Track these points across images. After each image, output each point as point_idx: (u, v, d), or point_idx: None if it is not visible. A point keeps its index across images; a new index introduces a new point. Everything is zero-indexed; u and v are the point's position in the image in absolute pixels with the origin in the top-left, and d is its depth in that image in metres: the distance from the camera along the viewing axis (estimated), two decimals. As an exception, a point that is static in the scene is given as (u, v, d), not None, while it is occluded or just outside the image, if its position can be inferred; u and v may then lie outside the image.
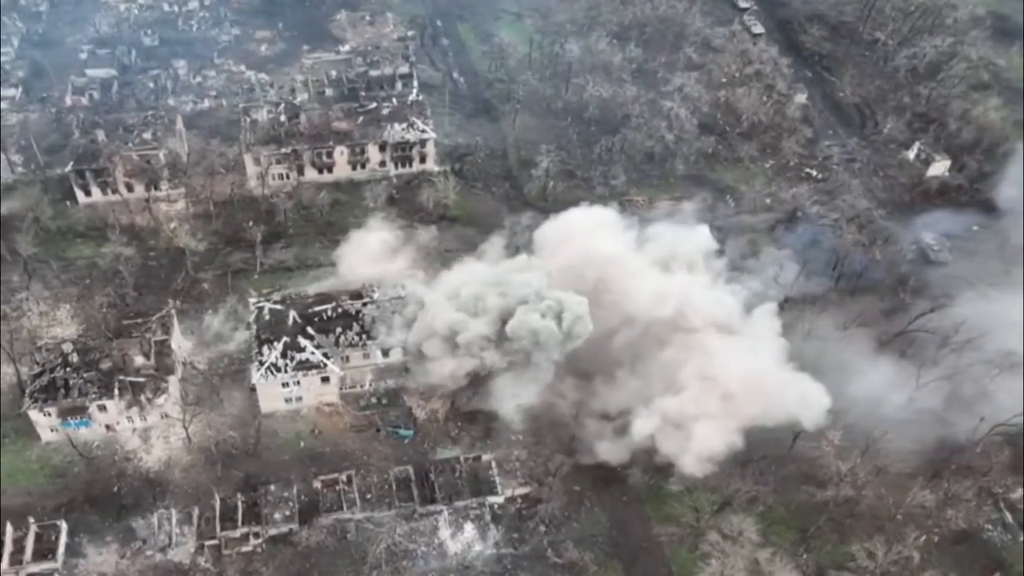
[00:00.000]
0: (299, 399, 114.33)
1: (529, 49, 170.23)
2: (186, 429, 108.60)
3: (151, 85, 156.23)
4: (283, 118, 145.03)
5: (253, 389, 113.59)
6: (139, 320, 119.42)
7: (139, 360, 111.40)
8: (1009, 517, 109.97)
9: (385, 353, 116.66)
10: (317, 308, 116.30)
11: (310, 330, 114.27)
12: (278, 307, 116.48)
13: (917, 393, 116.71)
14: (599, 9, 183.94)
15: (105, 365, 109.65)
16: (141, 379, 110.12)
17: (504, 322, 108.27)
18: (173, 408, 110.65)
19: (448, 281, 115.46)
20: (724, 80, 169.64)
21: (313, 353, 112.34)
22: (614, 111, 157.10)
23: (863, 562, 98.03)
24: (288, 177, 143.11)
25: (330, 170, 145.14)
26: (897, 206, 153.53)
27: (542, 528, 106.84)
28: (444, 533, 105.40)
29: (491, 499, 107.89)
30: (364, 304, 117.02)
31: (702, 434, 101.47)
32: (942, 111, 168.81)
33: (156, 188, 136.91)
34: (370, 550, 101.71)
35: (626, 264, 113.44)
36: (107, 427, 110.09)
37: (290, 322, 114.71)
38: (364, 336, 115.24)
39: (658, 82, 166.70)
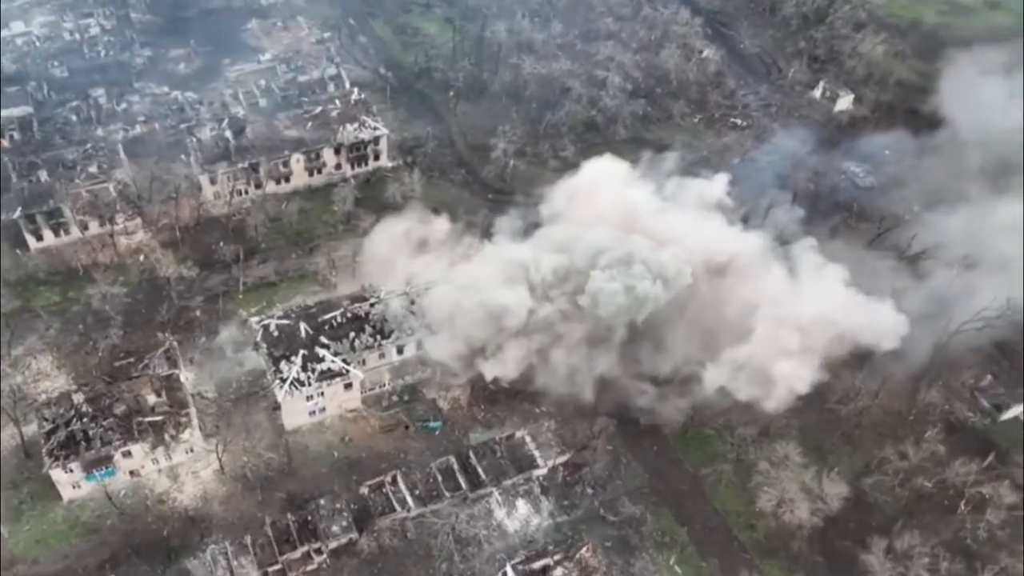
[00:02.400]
0: (322, 410, 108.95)
1: (452, 36, 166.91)
2: (220, 459, 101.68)
3: (74, 118, 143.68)
4: (229, 134, 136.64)
5: (277, 408, 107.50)
6: (132, 359, 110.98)
7: (152, 399, 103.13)
8: (985, 403, 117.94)
9: (399, 350, 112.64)
10: (326, 316, 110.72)
11: (323, 339, 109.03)
12: (285, 322, 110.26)
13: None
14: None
15: (119, 409, 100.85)
16: (159, 418, 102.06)
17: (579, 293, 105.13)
18: (198, 442, 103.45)
19: (473, 267, 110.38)
20: (640, 45, 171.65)
21: (333, 361, 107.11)
22: (552, 86, 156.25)
23: (898, 464, 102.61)
24: (247, 192, 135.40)
25: (287, 180, 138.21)
26: (817, 142, 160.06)
27: (589, 491, 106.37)
28: (499, 513, 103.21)
29: (535, 472, 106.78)
30: (372, 305, 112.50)
31: (786, 373, 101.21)
32: (835, 51, 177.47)
33: (112, 222, 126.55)
34: (433, 544, 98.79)
35: (664, 214, 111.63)
36: (131, 473, 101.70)
37: (302, 334, 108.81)
38: (378, 337, 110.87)
39: (584, 54, 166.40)
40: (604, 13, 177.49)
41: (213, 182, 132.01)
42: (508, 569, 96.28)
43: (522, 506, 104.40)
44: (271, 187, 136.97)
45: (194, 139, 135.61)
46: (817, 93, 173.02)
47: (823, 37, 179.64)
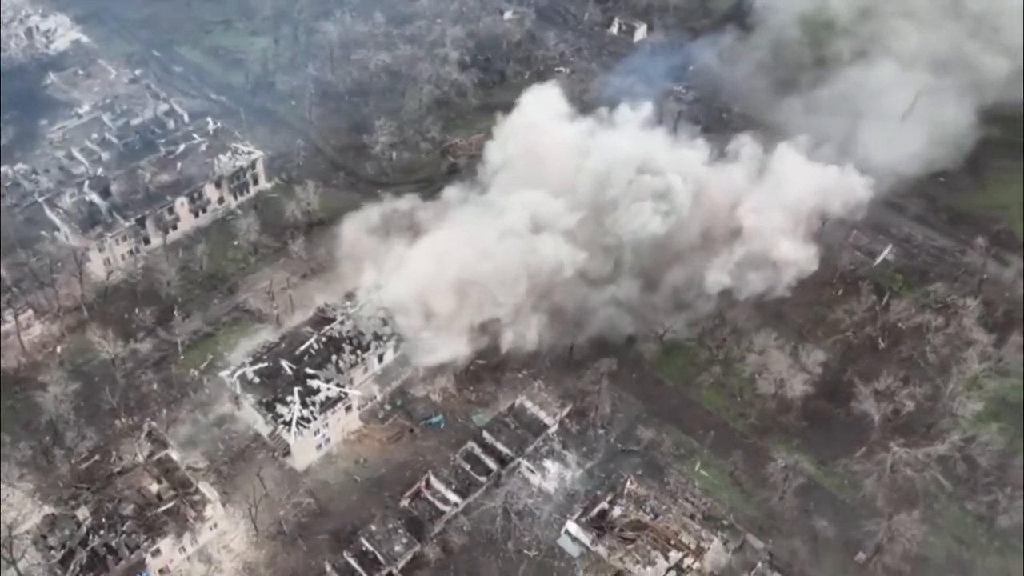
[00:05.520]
0: (327, 441, 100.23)
1: (274, 46, 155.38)
2: (254, 521, 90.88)
3: None
4: (93, 197, 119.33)
5: (283, 453, 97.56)
6: (98, 457, 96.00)
7: (154, 487, 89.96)
8: (860, 253, 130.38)
9: (380, 359, 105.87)
10: (302, 347, 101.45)
11: (308, 370, 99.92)
12: (263, 365, 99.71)
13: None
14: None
15: (127, 509, 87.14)
16: (171, 504, 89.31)
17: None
18: (220, 515, 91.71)
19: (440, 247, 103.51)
20: (459, 17, 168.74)
21: (329, 388, 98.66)
22: (398, 73, 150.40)
23: (850, 319, 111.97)
24: (138, 250, 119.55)
25: (175, 227, 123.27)
26: (629, 72, 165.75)
27: (601, 431, 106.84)
28: (535, 479, 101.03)
29: (549, 431, 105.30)
30: (342, 323, 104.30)
31: (786, 248, 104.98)
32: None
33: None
34: (491, 528, 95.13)
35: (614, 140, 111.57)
36: (160, 572, 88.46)
37: (286, 372, 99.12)
38: (359, 352, 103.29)
39: (415, 37, 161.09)
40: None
41: (100, 250, 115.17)
42: (570, 526, 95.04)
43: (551, 466, 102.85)
44: (159, 240, 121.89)
45: (60, 210, 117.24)
46: (614, 30, 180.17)
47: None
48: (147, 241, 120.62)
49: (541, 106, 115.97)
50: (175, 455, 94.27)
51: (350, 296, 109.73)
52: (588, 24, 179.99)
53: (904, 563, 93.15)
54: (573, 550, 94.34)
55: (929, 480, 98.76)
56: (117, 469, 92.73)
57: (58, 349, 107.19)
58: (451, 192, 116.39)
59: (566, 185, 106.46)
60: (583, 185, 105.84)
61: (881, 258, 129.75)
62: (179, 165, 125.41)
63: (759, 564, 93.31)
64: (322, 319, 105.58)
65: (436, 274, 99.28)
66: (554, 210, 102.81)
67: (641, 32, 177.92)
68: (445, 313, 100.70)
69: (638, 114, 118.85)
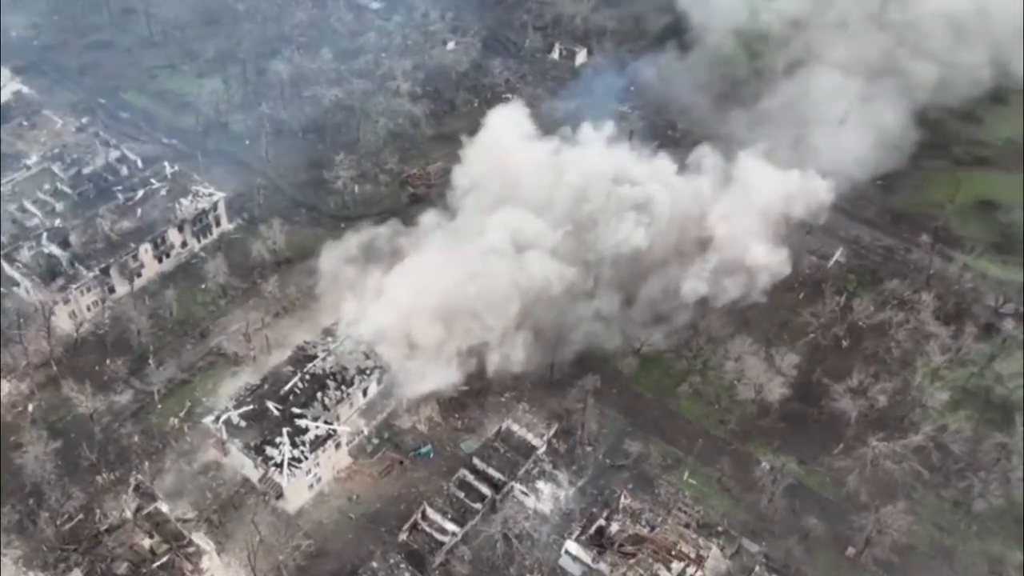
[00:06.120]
0: (319, 480, 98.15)
1: (224, 87, 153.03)
2: (253, 569, 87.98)
3: None
4: (52, 249, 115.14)
5: (275, 496, 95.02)
6: (82, 516, 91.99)
7: (147, 542, 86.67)
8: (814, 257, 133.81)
9: (364, 392, 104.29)
10: (286, 387, 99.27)
11: (295, 409, 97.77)
12: (247, 408, 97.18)
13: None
14: (240, 39, 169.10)
15: (120, 568, 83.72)
16: (165, 559, 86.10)
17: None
18: (218, 567, 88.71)
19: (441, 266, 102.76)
20: (406, 50, 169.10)
21: (318, 426, 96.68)
22: (351, 107, 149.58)
23: (818, 321, 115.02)
24: (104, 301, 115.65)
25: (139, 274, 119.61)
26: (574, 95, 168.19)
27: (588, 448, 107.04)
28: (529, 501, 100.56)
29: (537, 452, 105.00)
30: (324, 359, 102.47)
31: (759, 253, 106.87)
32: (556, 17, 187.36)
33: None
34: (492, 555, 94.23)
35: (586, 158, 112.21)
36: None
37: (272, 413, 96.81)
38: (343, 387, 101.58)
39: (366, 71, 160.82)
40: (361, 27, 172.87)
41: (65, 302, 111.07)
42: (569, 545, 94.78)
43: (543, 487, 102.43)
44: (125, 288, 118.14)
45: (18, 264, 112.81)
46: (555, 55, 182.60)
47: (538, 8, 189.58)
48: (112, 290, 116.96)
49: (507, 127, 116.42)
50: (164, 507, 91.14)
51: (329, 332, 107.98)
52: (530, 51, 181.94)
53: (892, 554, 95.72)
54: (575, 570, 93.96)
55: (907, 471, 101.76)
56: (105, 527, 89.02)
57: (30, 407, 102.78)
58: (425, 219, 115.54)
59: (542, 202, 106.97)
60: (560, 201, 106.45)
61: (833, 260, 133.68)
62: (139, 211, 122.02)
63: (756, 567, 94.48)
64: (303, 357, 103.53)
65: (418, 302, 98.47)
66: (537, 228, 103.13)
67: (582, 56, 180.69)
68: (431, 342, 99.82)
69: (601, 133, 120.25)
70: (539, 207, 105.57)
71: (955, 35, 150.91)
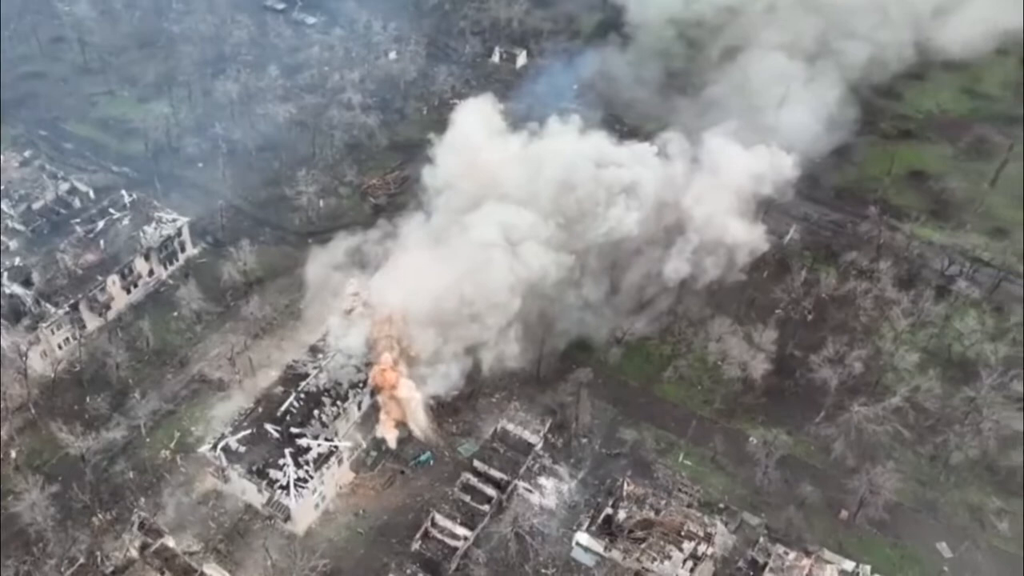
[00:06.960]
0: (323, 498, 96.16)
1: (170, 110, 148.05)
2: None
3: None
4: (14, 288, 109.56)
5: (282, 519, 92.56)
6: (83, 561, 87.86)
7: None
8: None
9: (359, 406, 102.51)
10: (282, 408, 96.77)
11: (294, 429, 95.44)
12: (245, 433, 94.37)
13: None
14: (179, 61, 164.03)
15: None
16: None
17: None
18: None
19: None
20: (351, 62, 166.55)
21: (319, 444, 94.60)
22: (305, 123, 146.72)
23: (789, 297, 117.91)
24: (76, 337, 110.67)
25: (109, 307, 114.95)
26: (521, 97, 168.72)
27: (584, 440, 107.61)
28: (534, 498, 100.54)
29: (535, 449, 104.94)
30: (316, 376, 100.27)
31: (738, 230, 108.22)
32: (494, 22, 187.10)
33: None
34: (505, 555, 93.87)
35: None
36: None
37: (272, 436, 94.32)
38: (339, 402, 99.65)
39: (312, 86, 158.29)
40: (302, 43, 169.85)
41: (36, 342, 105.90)
42: (580, 537, 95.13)
43: (546, 482, 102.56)
44: (95, 322, 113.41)
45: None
46: (496, 59, 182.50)
47: (475, 14, 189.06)
48: (84, 326, 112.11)
49: (477, 121, 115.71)
50: (171, 542, 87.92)
51: (317, 349, 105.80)
52: (471, 56, 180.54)
53: (883, 512, 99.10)
54: (588, 560, 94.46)
55: (888, 432, 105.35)
56: (110, 569, 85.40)
57: (12, 454, 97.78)
58: (401, 226, 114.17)
59: (525, 195, 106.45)
60: (544, 192, 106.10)
61: (788, 237, 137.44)
62: (102, 242, 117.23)
63: (760, 539, 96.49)
64: (294, 376, 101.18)
65: (411, 307, 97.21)
66: (528, 220, 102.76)
67: (522, 58, 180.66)
68: (429, 348, 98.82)
69: (568, 126, 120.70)
70: (522, 200, 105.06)
71: (880, 14, 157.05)
